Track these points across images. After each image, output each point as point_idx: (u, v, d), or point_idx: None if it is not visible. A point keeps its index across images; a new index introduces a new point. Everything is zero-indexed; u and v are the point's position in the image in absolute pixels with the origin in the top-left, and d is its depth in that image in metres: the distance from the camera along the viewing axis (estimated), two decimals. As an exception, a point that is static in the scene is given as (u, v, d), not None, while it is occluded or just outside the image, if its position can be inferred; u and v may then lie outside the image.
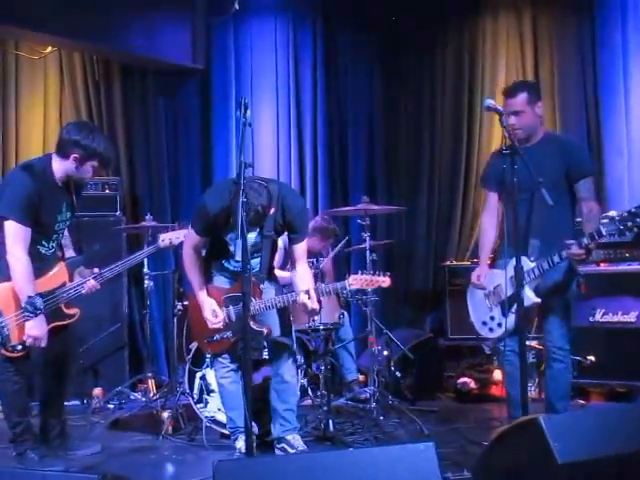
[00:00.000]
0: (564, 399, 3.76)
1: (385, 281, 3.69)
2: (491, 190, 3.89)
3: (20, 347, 3.48)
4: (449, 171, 6.36)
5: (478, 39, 6.33)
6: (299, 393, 4.26)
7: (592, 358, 4.88)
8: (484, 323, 3.83)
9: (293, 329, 3.90)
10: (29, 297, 3.37)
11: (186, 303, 4.96)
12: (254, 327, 3.57)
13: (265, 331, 3.66)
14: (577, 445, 2.38)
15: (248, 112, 3.03)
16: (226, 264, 3.71)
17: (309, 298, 3.55)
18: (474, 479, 2.83)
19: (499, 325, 3.70)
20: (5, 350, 3.48)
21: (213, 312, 3.67)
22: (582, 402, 4.91)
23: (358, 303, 5.08)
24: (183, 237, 3.87)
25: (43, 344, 3.48)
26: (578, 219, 3.79)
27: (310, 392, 4.62)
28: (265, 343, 3.76)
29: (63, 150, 3.58)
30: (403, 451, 2.12)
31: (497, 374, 5.17)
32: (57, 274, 3.64)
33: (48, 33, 5.59)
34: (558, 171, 3.62)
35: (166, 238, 3.99)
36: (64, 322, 3.66)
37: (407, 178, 6.46)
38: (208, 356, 4.15)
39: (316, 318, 4.72)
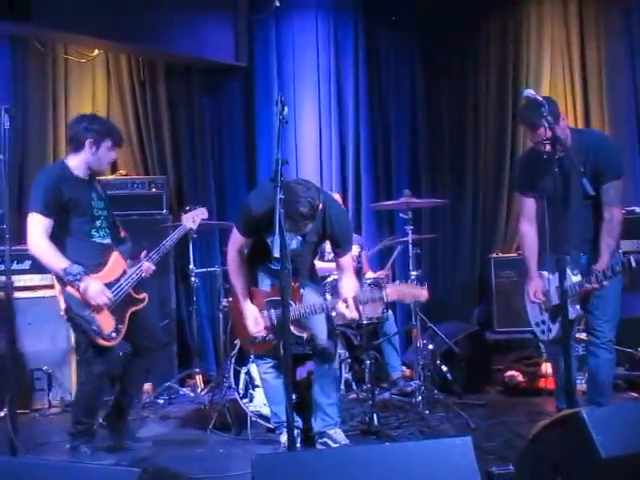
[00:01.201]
0: (606, 392, 3.72)
1: (423, 295, 3.65)
2: (527, 195, 3.81)
3: (114, 334, 3.62)
4: (494, 163, 6.29)
5: (522, 30, 6.24)
6: (343, 388, 4.29)
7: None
8: (537, 324, 3.88)
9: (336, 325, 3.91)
10: (64, 269, 3.51)
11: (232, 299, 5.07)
12: (295, 332, 3.61)
13: (305, 336, 3.67)
14: (620, 438, 2.35)
15: (285, 109, 3.05)
16: (271, 266, 3.71)
17: (347, 307, 3.55)
18: (517, 473, 2.79)
19: (549, 330, 3.73)
20: (102, 339, 3.59)
21: (255, 320, 3.71)
22: (635, 395, 4.80)
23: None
24: (203, 214, 4.18)
25: (106, 300, 3.57)
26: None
27: (355, 386, 4.64)
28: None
29: (76, 143, 3.73)
30: (440, 446, 2.12)
31: (545, 367, 5.09)
32: (115, 264, 3.76)
33: (95, 37, 5.71)
34: (589, 176, 3.41)
35: (189, 218, 4.14)
36: (139, 307, 3.81)
37: (451, 172, 6.40)
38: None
39: (382, 311, 4.78)
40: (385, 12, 6.44)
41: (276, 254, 2.78)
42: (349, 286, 3.68)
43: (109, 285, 3.66)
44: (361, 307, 3.67)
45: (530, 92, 3.29)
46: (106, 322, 3.62)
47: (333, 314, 3.71)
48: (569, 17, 6.09)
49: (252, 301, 3.77)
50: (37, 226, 3.57)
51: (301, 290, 3.70)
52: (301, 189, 3.40)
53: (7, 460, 2.22)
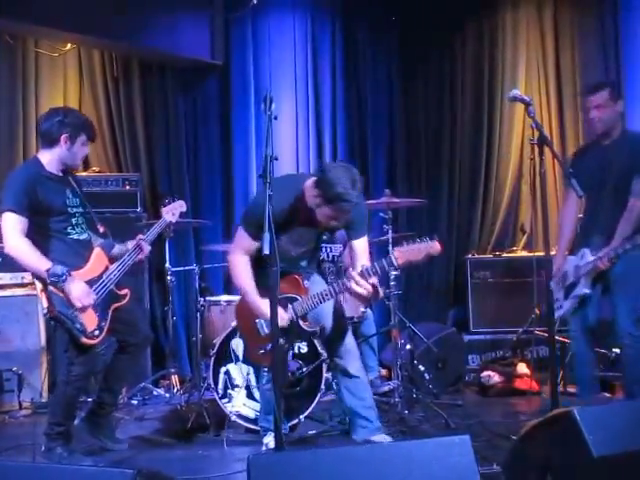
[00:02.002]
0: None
1: (434, 246, 3.23)
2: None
3: (97, 332, 3.54)
4: (470, 164, 6.34)
5: (498, 32, 6.32)
6: (323, 388, 4.24)
7: (617, 351, 4.84)
8: (557, 300, 4.07)
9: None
10: (47, 270, 3.42)
11: (209, 298, 5.01)
12: (306, 328, 3.51)
13: (318, 330, 3.56)
14: (613, 438, 2.36)
15: (273, 105, 3.02)
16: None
17: (357, 283, 3.27)
18: (505, 473, 2.80)
19: (560, 307, 4.03)
20: (86, 338, 3.50)
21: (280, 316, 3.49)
22: (608, 395, 4.86)
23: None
24: (182, 207, 4.08)
25: (91, 301, 3.50)
26: None
27: (334, 386, 4.61)
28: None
29: (49, 138, 3.63)
30: (438, 445, 2.10)
31: (521, 367, 5.14)
32: (97, 260, 3.67)
33: (67, 30, 5.60)
34: (625, 169, 3.79)
35: (169, 212, 4.07)
36: (121, 303, 3.73)
37: (428, 172, 6.44)
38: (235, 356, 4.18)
39: (363, 310, 4.74)
40: (363, 11, 6.45)
41: (266, 251, 2.73)
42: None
43: (91, 282, 3.58)
44: (374, 280, 3.31)
45: (517, 92, 3.31)
46: (89, 320, 3.53)
47: (341, 298, 3.56)
48: (544, 21, 6.18)
49: (247, 305, 3.56)
50: (12, 225, 3.46)
51: (306, 282, 3.55)
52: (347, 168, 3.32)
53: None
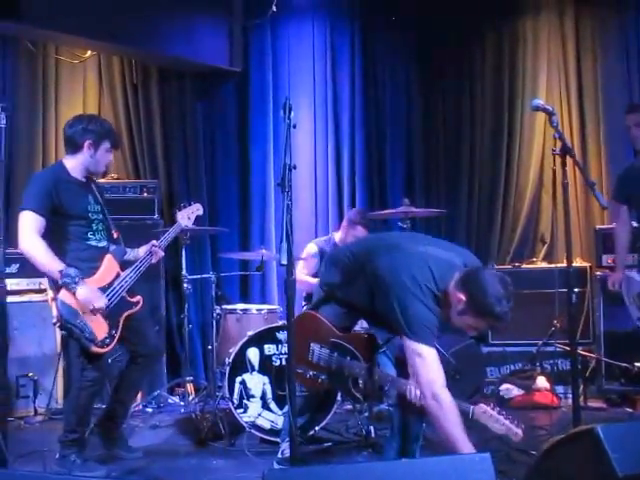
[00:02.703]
0: None
1: (518, 434, 3.05)
2: (620, 202, 4.44)
3: (108, 340, 3.53)
4: (489, 174, 6.26)
5: (518, 39, 6.24)
6: (339, 399, 4.19)
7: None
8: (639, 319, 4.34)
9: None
10: (60, 271, 3.42)
11: (225, 306, 4.98)
12: (357, 394, 3.32)
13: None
14: (637, 457, 2.29)
15: (292, 113, 3.00)
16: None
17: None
18: (526, 489, 2.73)
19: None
20: (96, 347, 3.49)
21: None
22: (630, 410, 4.78)
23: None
24: (199, 210, 4.11)
25: (103, 304, 3.49)
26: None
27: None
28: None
29: (74, 144, 3.67)
30: (458, 462, 2.05)
31: (541, 380, 5.06)
32: (109, 267, 3.67)
33: (87, 37, 5.62)
34: None
35: (184, 216, 4.06)
36: (133, 310, 3.71)
37: (446, 181, 6.38)
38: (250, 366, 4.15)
39: None
40: (382, 19, 6.41)
41: (283, 262, 2.70)
42: None
43: (102, 289, 3.57)
44: None
45: (540, 102, 3.26)
46: (99, 328, 3.52)
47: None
48: (565, 31, 6.09)
49: (310, 326, 3.35)
50: (30, 224, 3.48)
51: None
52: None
53: (5, 474, 2.12)
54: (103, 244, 3.71)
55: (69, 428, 3.63)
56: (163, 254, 3.91)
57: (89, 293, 3.47)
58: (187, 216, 4.09)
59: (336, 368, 3.29)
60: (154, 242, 3.88)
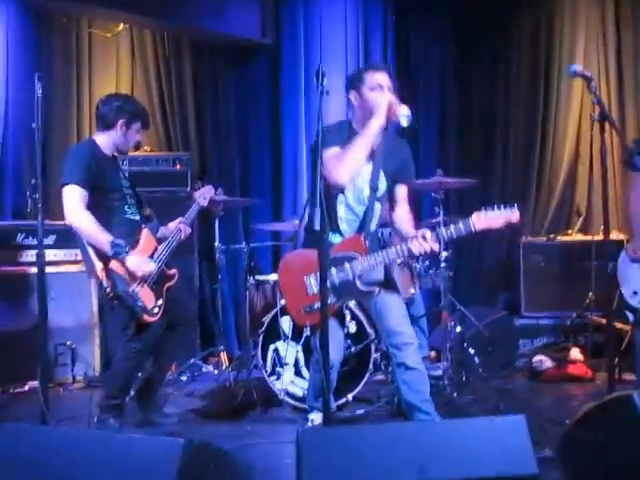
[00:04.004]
0: None
1: (514, 214, 3.20)
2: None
3: (156, 309, 3.62)
4: (524, 145, 6.20)
5: (556, 11, 6.13)
6: (371, 367, 4.20)
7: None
8: (635, 293, 3.95)
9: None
10: (111, 242, 3.49)
11: (258, 277, 5.01)
12: (361, 287, 3.36)
13: (376, 290, 3.41)
14: (673, 423, 2.27)
15: (325, 80, 2.98)
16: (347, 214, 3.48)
17: (425, 240, 3.17)
18: (558, 456, 2.72)
19: None
20: (147, 315, 3.58)
21: None
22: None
23: (431, 278, 4.99)
24: (211, 191, 4.13)
25: (152, 269, 3.59)
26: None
27: (383, 367, 4.58)
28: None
29: (107, 122, 3.73)
30: (492, 424, 2.05)
31: (575, 353, 5.01)
32: (147, 241, 3.75)
33: (120, 11, 5.66)
34: None
35: (200, 196, 4.11)
36: (172, 282, 3.80)
37: (480, 151, 6.31)
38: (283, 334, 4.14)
39: (412, 291, 4.63)
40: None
41: (317, 227, 2.70)
42: (411, 219, 3.48)
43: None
44: (436, 246, 3.21)
45: (577, 67, 3.19)
46: (148, 298, 3.61)
47: (412, 251, 3.27)
48: (605, -2, 5.96)
49: (296, 264, 3.46)
50: (75, 197, 3.54)
51: (367, 241, 3.41)
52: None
53: (50, 431, 2.17)
54: (137, 217, 3.80)
55: (111, 394, 3.72)
56: (190, 230, 4.01)
57: (139, 260, 3.56)
58: (202, 196, 4.13)
59: (340, 281, 3.33)
60: (181, 219, 3.97)
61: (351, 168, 3.27)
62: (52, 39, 5.88)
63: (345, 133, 3.36)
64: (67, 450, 2.05)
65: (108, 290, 3.52)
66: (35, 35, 5.76)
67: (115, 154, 3.84)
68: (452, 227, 3.22)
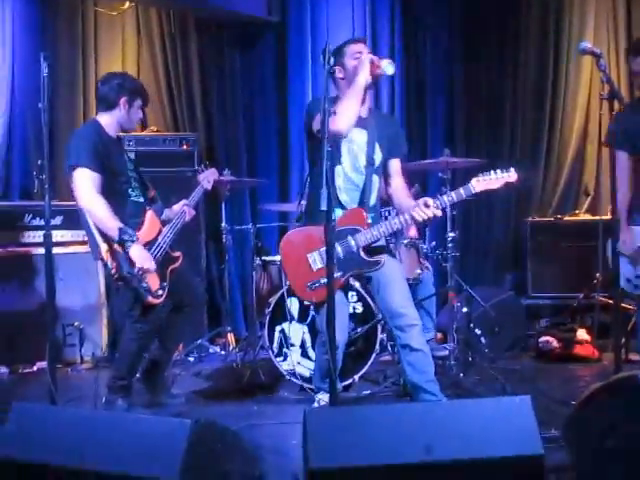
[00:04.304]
0: None
1: (511, 176, 3.39)
2: (620, 148, 3.74)
3: (161, 291, 3.62)
4: (532, 124, 6.14)
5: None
6: (377, 348, 4.21)
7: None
8: (628, 280, 3.78)
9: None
10: (120, 229, 3.49)
11: (265, 257, 5.02)
12: (367, 258, 3.41)
13: (382, 260, 3.43)
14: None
15: (332, 59, 2.98)
16: (345, 183, 3.53)
17: (427, 207, 3.29)
18: (565, 437, 2.73)
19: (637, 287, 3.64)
20: (152, 297, 3.58)
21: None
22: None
23: (437, 259, 4.98)
24: (214, 174, 4.13)
25: (151, 266, 3.56)
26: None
27: (389, 348, 4.59)
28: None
29: (108, 101, 3.72)
30: (498, 404, 2.05)
31: (582, 333, 5.00)
32: (151, 223, 3.75)
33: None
34: None
35: (204, 179, 4.11)
36: (176, 264, 3.81)
37: (488, 131, 6.26)
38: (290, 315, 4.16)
39: (418, 271, 4.67)
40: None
41: (323, 207, 2.70)
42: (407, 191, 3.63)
43: (149, 245, 3.66)
44: (438, 211, 3.34)
45: (587, 44, 3.17)
46: (153, 280, 3.61)
47: (416, 219, 3.37)
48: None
49: (298, 242, 3.50)
50: (87, 180, 3.53)
51: (368, 215, 3.48)
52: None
53: (58, 411, 2.19)
54: (141, 200, 3.81)
55: (118, 375, 3.75)
56: (194, 212, 4.01)
57: (141, 253, 3.54)
58: (206, 179, 4.12)
59: (344, 254, 3.39)
60: (185, 201, 3.97)
61: (347, 117, 3.31)
62: (57, 18, 5.83)
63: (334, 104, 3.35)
64: (75, 430, 2.06)
65: (113, 271, 3.52)
66: (40, 14, 5.71)
67: (119, 135, 3.84)
68: (453, 192, 3.37)
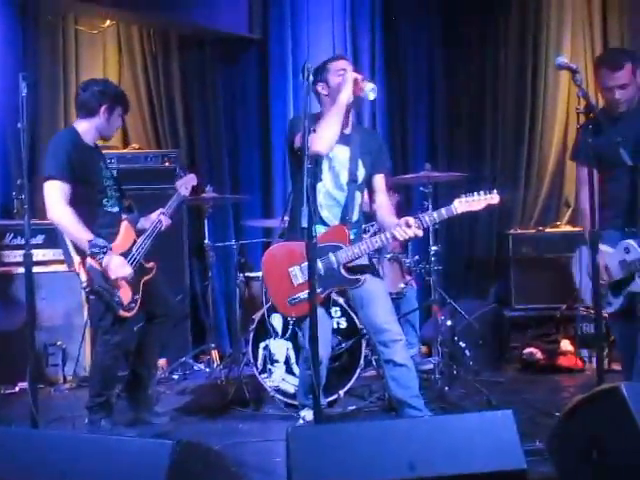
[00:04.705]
0: None
1: (494, 197, 3.37)
2: (582, 164, 3.56)
3: (133, 304, 3.59)
4: (513, 138, 6.20)
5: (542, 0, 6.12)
6: (362, 363, 4.21)
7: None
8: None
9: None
10: (89, 241, 3.44)
11: (249, 274, 5.01)
12: (347, 276, 3.40)
13: (362, 278, 3.42)
14: (661, 414, 2.29)
15: (311, 77, 2.98)
16: (329, 199, 3.54)
17: (409, 226, 3.27)
18: (548, 449, 2.74)
19: (609, 304, 3.57)
20: (123, 310, 3.55)
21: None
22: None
23: (421, 272, 5.00)
24: (193, 180, 4.06)
25: (127, 273, 3.52)
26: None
27: (374, 362, 4.58)
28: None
29: (88, 108, 3.66)
30: (481, 419, 2.06)
31: (565, 344, 5.04)
32: (126, 233, 3.71)
33: (106, 6, 5.62)
34: None
35: (182, 185, 4.06)
36: (150, 276, 3.77)
37: (469, 145, 6.32)
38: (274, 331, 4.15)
39: (402, 286, 4.66)
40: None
41: (304, 224, 2.70)
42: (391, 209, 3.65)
43: (123, 255, 3.61)
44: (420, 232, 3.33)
45: (563, 59, 3.19)
46: (125, 293, 3.57)
47: (397, 238, 3.36)
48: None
49: (281, 256, 3.49)
50: (57, 192, 3.48)
51: (350, 232, 3.47)
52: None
53: (39, 434, 2.17)
54: (116, 209, 3.74)
55: (94, 392, 3.68)
56: (170, 221, 3.94)
57: (116, 262, 3.50)
58: (184, 186, 4.08)
59: (325, 271, 3.37)
60: (162, 210, 3.94)
61: (327, 137, 3.32)
62: (38, 36, 5.82)
63: (316, 122, 3.34)
64: (56, 453, 2.04)
65: (84, 285, 3.50)
66: (21, 33, 5.70)
67: (96, 142, 3.76)
68: (435, 212, 3.36)
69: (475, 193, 3.35)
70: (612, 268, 3.47)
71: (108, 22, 6.03)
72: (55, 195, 3.48)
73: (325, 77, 3.52)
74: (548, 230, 5.74)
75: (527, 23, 6.17)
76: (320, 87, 3.53)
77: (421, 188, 4.81)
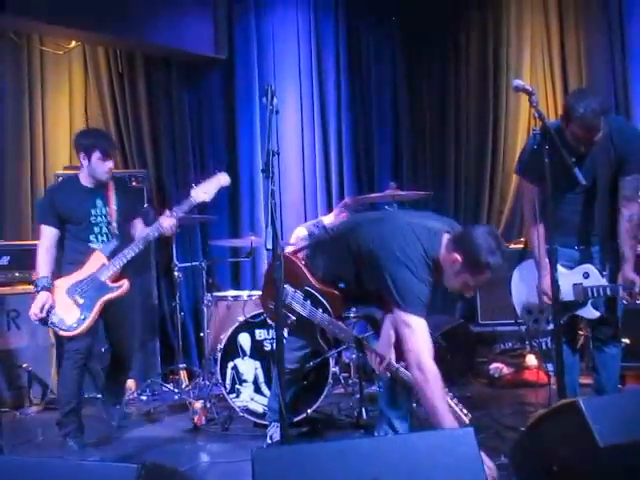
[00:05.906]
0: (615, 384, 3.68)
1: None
2: (531, 182, 3.54)
3: (76, 324, 3.81)
4: (476, 156, 6.32)
5: (502, 20, 6.29)
6: (330, 381, 4.22)
7: (627, 341, 4.80)
8: (529, 312, 3.74)
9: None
10: (36, 277, 3.87)
11: (216, 293, 5.02)
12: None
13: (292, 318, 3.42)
14: (618, 428, 2.35)
15: (275, 99, 3.00)
16: None
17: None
18: (511, 463, 2.79)
19: (547, 322, 3.60)
20: (64, 331, 3.83)
21: None
22: (619, 386, 4.83)
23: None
24: (218, 185, 4.04)
25: (34, 317, 3.82)
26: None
27: (342, 380, 4.62)
28: None
29: (78, 157, 4.02)
30: (442, 437, 2.10)
31: (530, 359, 5.12)
32: (91, 263, 3.92)
33: (71, 27, 5.61)
34: (608, 165, 3.40)
35: (200, 191, 3.98)
36: (114, 294, 3.90)
37: (433, 164, 6.44)
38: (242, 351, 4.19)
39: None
40: (366, 4, 6.43)
41: (269, 246, 2.74)
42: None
43: (76, 283, 3.85)
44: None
45: (520, 82, 3.27)
46: (68, 315, 3.81)
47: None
48: (548, 6, 6.14)
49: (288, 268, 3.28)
50: (41, 235, 3.93)
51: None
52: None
53: (3, 460, 2.15)
54: (99, 245, 3.97)
55: (63, 401, 3.88)
56: (174, 221, 3.99)
57: (39, 300, 3.80)
58: (203, 192, 3.98)
59: (308, 315, 3.35)
60: (169, 212, 4.04)
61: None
62: (3, 57, 5.82)
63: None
64: (21, 479, 2.03)
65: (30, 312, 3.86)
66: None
67: (95, 184, 4.00)
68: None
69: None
70: (563, 288, 3.30)
71: (73, 43, 6.03)
72: (40, 237, 3.94)
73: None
74: (512, 246, 5.82)
75: (487, 39, 6.32)
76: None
77: (386, 207, 4.87)
